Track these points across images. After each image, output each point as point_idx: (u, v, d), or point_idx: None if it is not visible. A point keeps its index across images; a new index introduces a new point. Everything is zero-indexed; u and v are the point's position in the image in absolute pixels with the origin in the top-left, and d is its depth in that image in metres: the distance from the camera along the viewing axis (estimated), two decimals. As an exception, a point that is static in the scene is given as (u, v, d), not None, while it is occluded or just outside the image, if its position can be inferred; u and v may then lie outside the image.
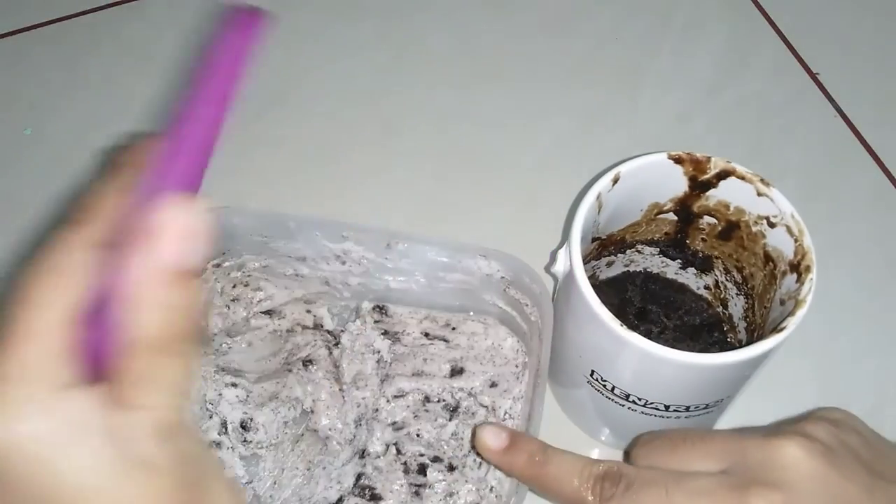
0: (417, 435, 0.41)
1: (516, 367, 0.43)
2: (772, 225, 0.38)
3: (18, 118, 0.58)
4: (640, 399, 0.37)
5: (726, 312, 0.45)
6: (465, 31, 0.63)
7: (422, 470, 0.40)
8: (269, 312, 0.45)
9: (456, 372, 0.43)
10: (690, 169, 0.39)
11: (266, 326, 0.45)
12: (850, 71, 0.60)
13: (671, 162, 0.39)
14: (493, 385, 0.43)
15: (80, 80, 0.60)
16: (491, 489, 0.40)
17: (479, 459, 0.40)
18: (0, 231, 0.52)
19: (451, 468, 0.40)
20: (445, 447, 0.41)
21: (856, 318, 0.49)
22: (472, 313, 0.44)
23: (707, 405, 0.37)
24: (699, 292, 0.46)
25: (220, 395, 0.41)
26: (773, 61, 0.61)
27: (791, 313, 0.35)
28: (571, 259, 0.36)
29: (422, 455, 0.40)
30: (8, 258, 0.51)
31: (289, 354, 0.44)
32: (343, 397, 0.42)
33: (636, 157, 0.39)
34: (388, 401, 0.42)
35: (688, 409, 0.37)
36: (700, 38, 0.62)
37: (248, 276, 0.45)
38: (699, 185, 0.40)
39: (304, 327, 0.45)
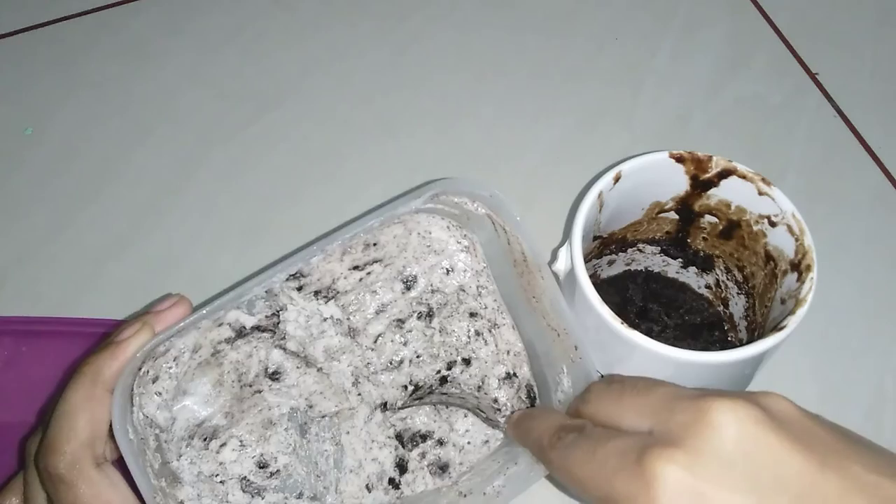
0: (418, 357, 0.39)
1: (458, 243, 0.40)
2: (773, 224, 0.38)
3: (18, 118, 0.58)
4: (641, 397, 0.37)
5: (727, 311, 0.45)
6: (464, 31, 0.63)
7: (444, 381, 0.39)
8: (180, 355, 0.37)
9: (410, 282, 0.40)
10: (692, 168, 0.40)
11: (190, 363, 0.37)
12: (849, 70, 0.60)
13: (672, 161, 0.39)
14: (450, 271, 0.40)
15: (80, 80, 0.60)
16: (508, 351, 0.39)
17: (473, 329, 0.39)
18: (0, 231, 0.52)
19: (468, 362, 0.39)
20: (448, 348, 0.40)
21: (856, 317, 0.49)
22: (379, 220, 0.39)
23: (708, 404, 0.37)
24: (700, 291, 0.46)
25: (221, 465, 0.36)
26: (772, 61, 0.61)
27: (791, 312, 0.35)
28: (573, 257, 0.36)
29: (438, 372, 0.39)
30: (8, 258, 0.51)
31: (239, 375, 0.38)
32: (328, 376, 0.39)
33: (637, 155, 0.39)
34: (371, 350, 0.39)
35: (689, 407, 0.37)
36: (700, 38, 0.62)
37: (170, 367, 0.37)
38: (700, 184, 0.40)
39: (228, 340, 0.37)
